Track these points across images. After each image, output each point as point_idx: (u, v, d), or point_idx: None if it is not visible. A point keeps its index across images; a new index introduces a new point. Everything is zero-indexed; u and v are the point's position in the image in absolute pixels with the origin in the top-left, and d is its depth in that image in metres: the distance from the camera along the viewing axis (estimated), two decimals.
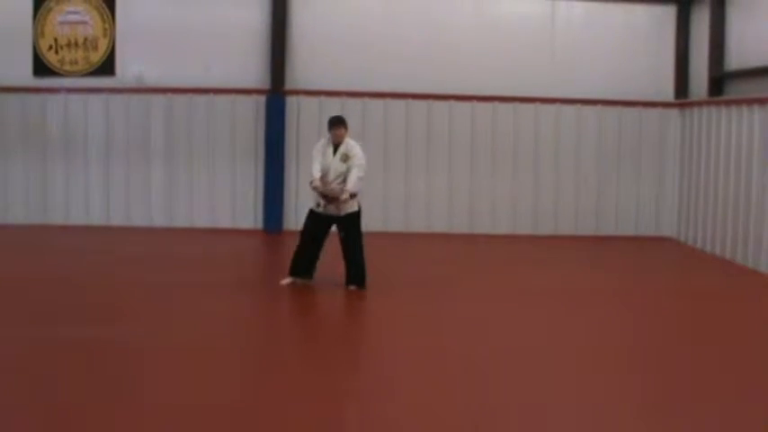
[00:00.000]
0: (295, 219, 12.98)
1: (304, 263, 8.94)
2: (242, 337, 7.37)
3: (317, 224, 8.86)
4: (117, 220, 13.33)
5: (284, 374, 6.21)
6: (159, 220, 13.37)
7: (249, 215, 13.45)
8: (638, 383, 6.17)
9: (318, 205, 8.84)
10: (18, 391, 5.62)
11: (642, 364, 6.71)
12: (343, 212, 8.81)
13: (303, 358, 6.77)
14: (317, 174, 8.69)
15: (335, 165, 8.74)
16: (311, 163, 8.84)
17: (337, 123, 8.84)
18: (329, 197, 8.72)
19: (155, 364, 6.34)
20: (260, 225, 13.36)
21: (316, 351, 7.03)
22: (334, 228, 8.93)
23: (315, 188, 8.73)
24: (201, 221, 13.38)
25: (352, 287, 8.92)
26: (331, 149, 8.79)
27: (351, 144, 8.82)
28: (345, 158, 8.71)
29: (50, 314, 7.73)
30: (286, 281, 8.97)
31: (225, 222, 13.39)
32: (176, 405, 5.44)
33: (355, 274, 8.93)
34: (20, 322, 7.42)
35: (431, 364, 6.51)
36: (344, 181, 8.69)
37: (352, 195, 8.75)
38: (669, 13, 13.56)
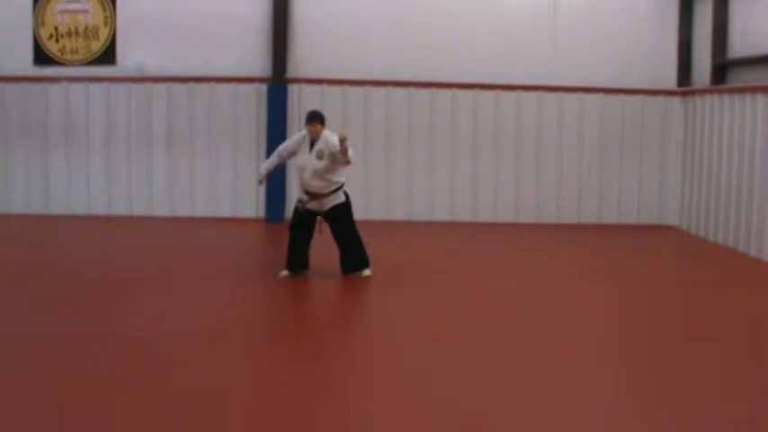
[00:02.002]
0: None
1: (297, 257, 8.89)
2: (242, 327, 7.35)
3: (303, 218, 8.80)
4: (118, 209, 13.32)
5: (283, 365, 6.21)
6: (161, 210, 13.35)
7: (251, 204, 13.43)
8: (636, 372, 6.16)
9: (301, 201, 8.81)
10: (19, 382, 5.61)
11: (641, 354, 6.70)
12: (326, 207, 8.73)
13: (302, 349, 6.77)
14: (262, 171, 9.17)
15: (312, 162, 8.57)
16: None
17: (312, 119, 8.60)
18: (311, 193, 8.68)
19: (155, 353, 6.33)
20: (262, 214, 13.34)
21: (315, 341, 7.03)
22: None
23: (259, 182, 9.29)
24: (203, 210, 13.37)
25: (351, 274, 8.90)
26: (308, 146, 8.63)
27: (329, 138, 8.51)
28: (321, 155, 8.50)
29: (51, 304, 7.73)
30: (283, 273, 8.95)
31: (226, 211, 13.37)
32: (176, 394, 5.44)
33: (351, 260, 8.90)
34: (21, 313, 7.42)
35: (433, 354, 6.51)
36: (321, 178, 8.57)
37: (337, 189, 8.68)
38: (672, 1, 13.49)
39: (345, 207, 8.79)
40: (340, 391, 5.64)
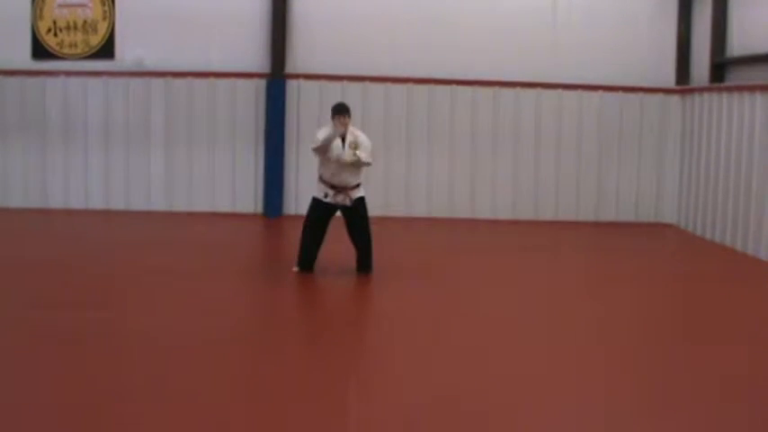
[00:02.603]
0: (295, 203, 12.99)
1: (310, 255, 8.90)
2: (240, 324, 7.34)
3: (323, 214, 8.82)
4: (116, 203, 13.29)
5: (287, 359, 6.22)
6: (159, 205, 13.33)
7: (249, 199, 13.41)
8: (636, 371, 6.18)
9: (326, 195, 8.79)
10: (15, 376, 5.60)
11: (641, 353, 6.72)
12: (354, 198, 8.80)
13: (308, 343, 6.77)
14: (320, 136, 8.52)
15: (348, 154, 8.61)
16: (317, 135, 8.62)
17: (342, 111, 8.63)
18: (339, 187, 8.70)
19: (152, 349, 6.32)
20: (260, 209, 13.33)
21: (313, 339, 7.04)
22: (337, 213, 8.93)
23: (318, 148, 8.57)
24: (201, 206, 13.35)
25: (363, 273, 8.92)
26: (339, 139, 8.61)
27: (356, 132, 8.74)
28: (356, 147, 8.58)
29: (49, 299, 7.71)
30: (295, 269, 8.97)
31: (224, 206, 13.35)
32: (174, 391, 5.44)
33: (363, 261, 8.93)
34: (18, 306, 7.40)
35: (432, 354, 6.52)
36: (353, 170, 8.68)
37: (359, 183, 8.79)
38: None
39: (365, 202, 8.94)
40: (339, 391, 5.64)
